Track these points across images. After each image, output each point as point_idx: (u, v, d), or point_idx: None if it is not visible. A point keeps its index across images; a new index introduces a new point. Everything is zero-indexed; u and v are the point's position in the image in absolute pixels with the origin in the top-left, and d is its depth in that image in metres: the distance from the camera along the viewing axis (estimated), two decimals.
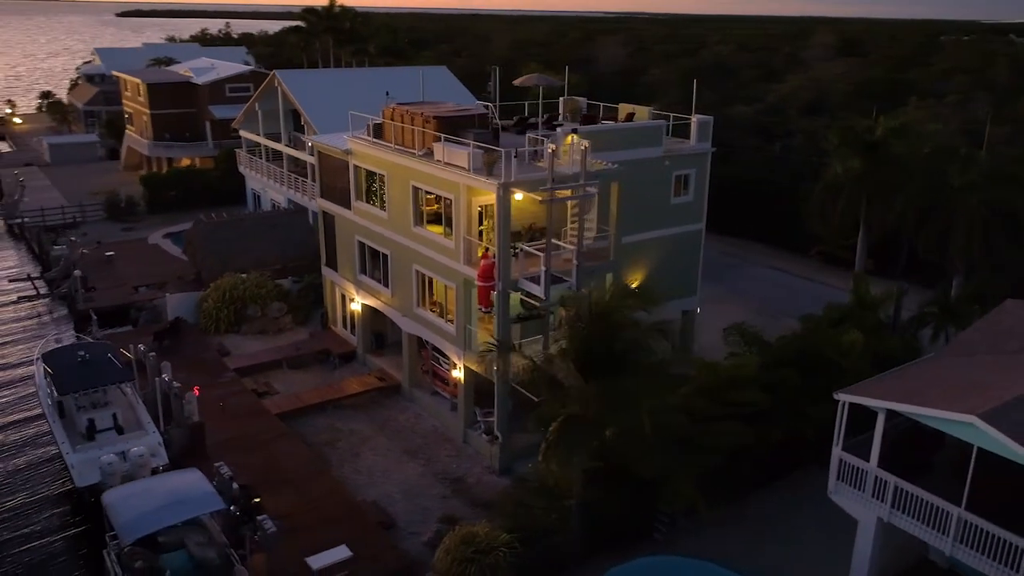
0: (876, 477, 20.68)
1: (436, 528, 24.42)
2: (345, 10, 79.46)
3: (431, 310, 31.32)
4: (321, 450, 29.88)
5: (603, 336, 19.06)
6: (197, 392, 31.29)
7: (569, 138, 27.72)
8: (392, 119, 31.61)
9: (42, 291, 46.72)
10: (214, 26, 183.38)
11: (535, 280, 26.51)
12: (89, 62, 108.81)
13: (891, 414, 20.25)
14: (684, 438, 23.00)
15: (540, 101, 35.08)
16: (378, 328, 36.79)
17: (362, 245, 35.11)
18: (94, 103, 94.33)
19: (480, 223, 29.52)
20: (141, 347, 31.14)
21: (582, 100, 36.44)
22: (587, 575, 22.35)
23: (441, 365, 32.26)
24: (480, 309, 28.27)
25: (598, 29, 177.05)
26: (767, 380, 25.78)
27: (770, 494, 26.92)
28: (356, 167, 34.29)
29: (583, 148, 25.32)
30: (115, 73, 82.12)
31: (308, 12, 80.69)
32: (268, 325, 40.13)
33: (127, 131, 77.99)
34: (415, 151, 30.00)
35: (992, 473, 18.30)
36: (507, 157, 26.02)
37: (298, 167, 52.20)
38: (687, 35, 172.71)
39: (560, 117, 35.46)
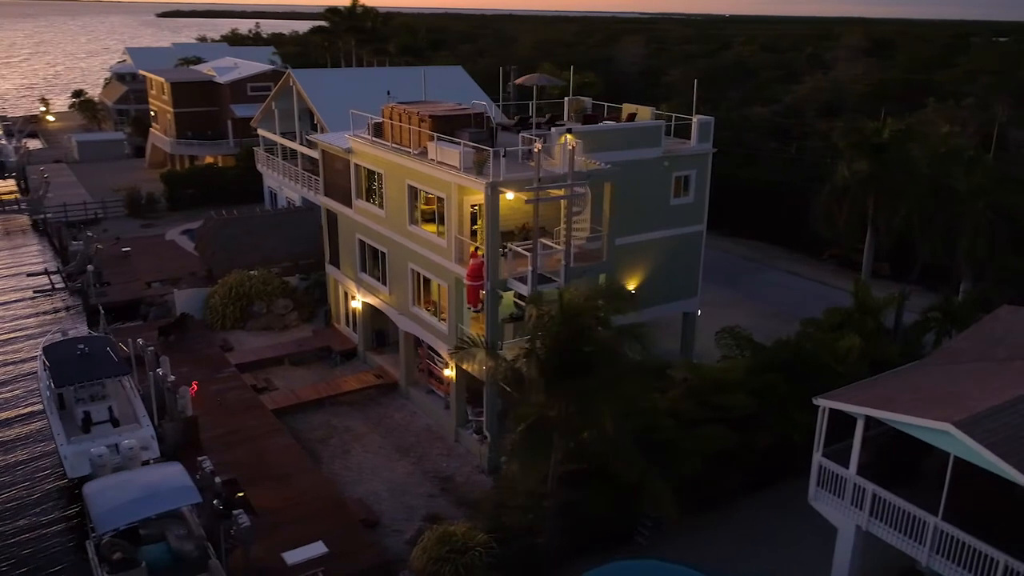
0: (855, 484, 20.29)
1: (419, 526, 24.44)
2: (367, 10, 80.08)
3: (426, 309, 31.40)
4: (313, 446, 30.05)
5: (572, 337, 18.91)
6: (196, 387, 31.79)
7: (563, 138, 27.60)
8: (391, 118, 31.76)
9: (58, 286, 47.64)
10: (245, 26, 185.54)
11: (524, 280, 26.48)
12: (122, 62, 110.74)
13: (876, 421, 19.85)
14: (665, 441, 22.80)
15: (534, 101, 35.10)
16: (379, 326, 36.92)
17: (362, 243, 35.28)
18: (124, 101, 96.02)
19: (474, 222, 29.50)
20: (140, 341, 31.57)
21: (587, 100, 36.32)
22: None
23: (436, 364, 32.32)
24: (469, 308, 28.26)
25: (625, 29, 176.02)
26: (755, 384, 25.45)
27: (760, 499, 26.52)
28: (357, 166, 34.47)
29: (571, 148, 25.20)
30: (142, 72, 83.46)
31: (331, 12, 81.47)
32: (273, 322, 40.49)
33: (152, 129, 79.18)
34: (411, 150, 30.10)
35: (969, 483, 17.89)
36: (496, 156, 25.98)
37: (312, 165, 52.56)
38: (714, 36, 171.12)
39: (565, 117, 35.38)
